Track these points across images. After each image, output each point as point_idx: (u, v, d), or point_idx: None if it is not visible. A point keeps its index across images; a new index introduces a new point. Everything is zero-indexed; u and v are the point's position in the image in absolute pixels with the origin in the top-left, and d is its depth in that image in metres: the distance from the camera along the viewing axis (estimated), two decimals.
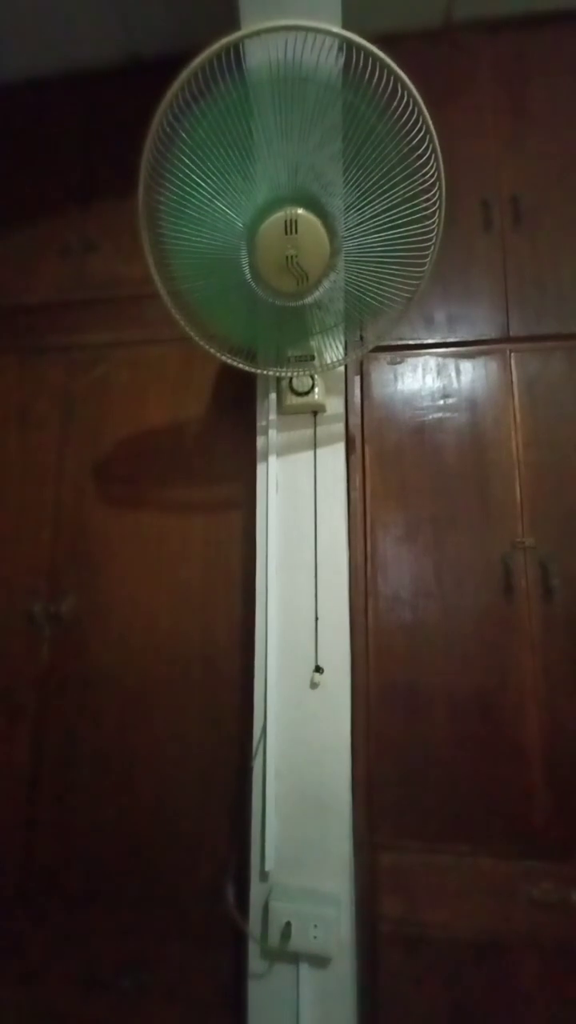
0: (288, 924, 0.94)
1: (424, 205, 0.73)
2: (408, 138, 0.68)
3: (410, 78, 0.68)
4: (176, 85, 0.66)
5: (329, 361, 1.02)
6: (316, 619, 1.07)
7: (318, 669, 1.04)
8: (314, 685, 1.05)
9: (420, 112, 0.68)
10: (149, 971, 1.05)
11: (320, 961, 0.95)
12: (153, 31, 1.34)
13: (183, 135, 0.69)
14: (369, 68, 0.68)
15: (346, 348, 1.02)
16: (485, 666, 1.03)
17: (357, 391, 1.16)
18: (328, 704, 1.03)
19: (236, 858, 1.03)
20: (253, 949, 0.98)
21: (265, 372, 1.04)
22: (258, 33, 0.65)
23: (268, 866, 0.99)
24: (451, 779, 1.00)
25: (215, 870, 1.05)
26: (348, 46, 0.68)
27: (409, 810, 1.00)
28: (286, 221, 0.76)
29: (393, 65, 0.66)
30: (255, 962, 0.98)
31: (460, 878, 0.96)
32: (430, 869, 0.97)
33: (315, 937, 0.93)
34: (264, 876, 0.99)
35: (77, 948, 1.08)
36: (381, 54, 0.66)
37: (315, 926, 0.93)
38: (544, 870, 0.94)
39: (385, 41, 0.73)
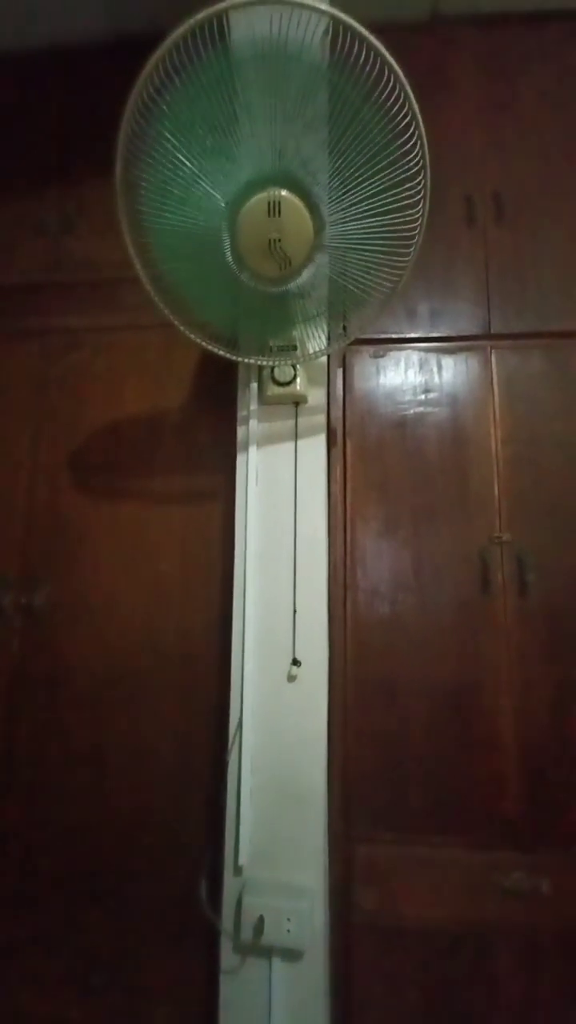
0: (261, 919, 0.93)
1: (409, 193, 0.73)
2: (394, 123, 0.67)
3: None
4: (158, 53, 0.63)
5: (312, 351, 1.01)
6: (294, 612, 1.06)
7: (295, 662, 1.04)
8: (291, 678, 1.04)
9: (407, 97, 0.67)
10: (123, 969, 1.03)
11: (293, 955, 0.95)
12: (138, 6, 1.30)
13: (164, 108, 0.66)
14: (355, 50, 0.67)
15: (329, 339, 1.01)
16: (461, 659, 1.03)
17: (339, 383, 1.16)
18: (305, 697, 1.03)
19: (211, 853, 1.02)
20: (225, 944, 0.97)
21: (246, 361, 1.03)
22: (244, 5, 0.63)
23: (242, 860, 0.98)
24: (427, 771, 1.00)
25: (190, 866, 1.03)
26: (335, 26, 0.67)
27: (385, 802, 1.00)
28: (269, 203, 0.75)
29: (380, 47, 0.65)
30: (227, 957, 0.97)
31: (435, 869, 0.97)
32: (405, 860, 0.97)
33: (288, 931, 0.92)
34: (238, 871, 0.98)
35: (49, 947, 1.05)
36: (368, 35, 0.65)
37: (288, 920, 0.93)
38: (516, 860, 0.96)
39: (370, 31, 0.71)
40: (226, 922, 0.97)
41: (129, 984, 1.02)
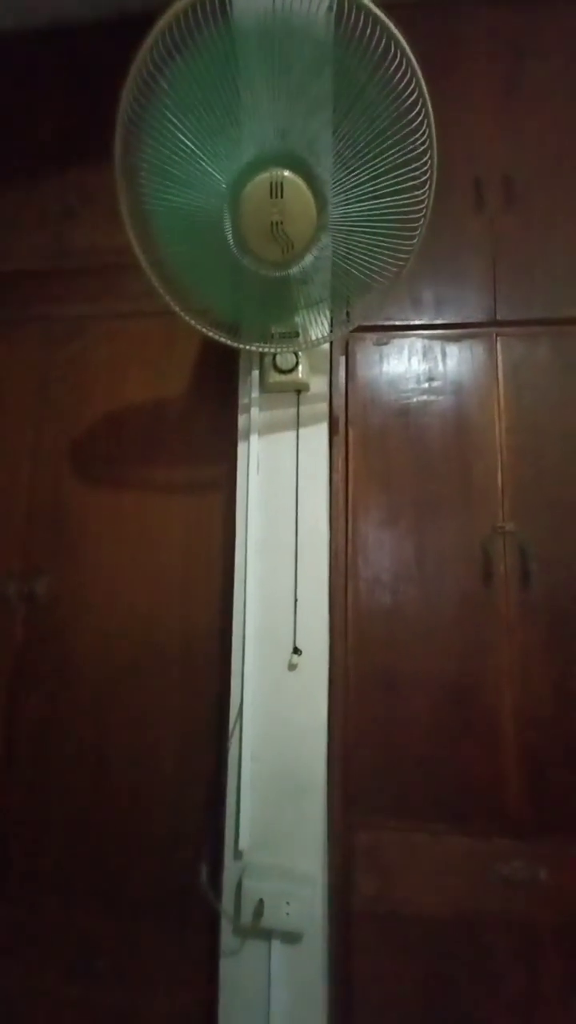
0: (261, 902, 0.94)
1: (415, 173, 0.71)
2: (400, 100, 0.66)
3: None
4: (158, 28, 0.62)
5: (314, 338, 1.00)
6: (295, 601, 1.06)
7: (296, 651, 1.04)
8: (292, 667, 1.04)
9: (413, 74, 0.65)
10: (124, 953, 1.04)
11: (292, 937, 0.96)
12: None
13: (164, 86, 0.65)
14: (361, 25, 0.65)
15: (332, 325, 0.99)
16: (463, 649, 1.03)
17: (342, 371, 1.14)
18: (306, 686, 1.03)
19: (211, 838, 1.03)
20: (226, 926, 0.98)
21: (248, 348, 1.01)
22: None
23: (242, 845, 0.99)
24: (427, 760, 1.00)
25: (191, 852, 1.04)
26: (340, 0, 0.65)
27: (385, 790, 1.00)
28: (272, 183, 0.73)
29: (386, 20, 0.63)
30: (228, 939, 0.98)
31: (434, 857, 0.97)
32: (404, 848, 0.98)
33: (288, 914, 0.93)
34: (238, 855, 0.99)
35: (52, 931, 1.07)
36: (375, 8, 0.63)
37: (288, 903, 0.94)
38: (515, 849, 0.96)
39: (378, 7, 0.69)
40: (226, 905, 0.98)
41: (130, 968, 1.04)
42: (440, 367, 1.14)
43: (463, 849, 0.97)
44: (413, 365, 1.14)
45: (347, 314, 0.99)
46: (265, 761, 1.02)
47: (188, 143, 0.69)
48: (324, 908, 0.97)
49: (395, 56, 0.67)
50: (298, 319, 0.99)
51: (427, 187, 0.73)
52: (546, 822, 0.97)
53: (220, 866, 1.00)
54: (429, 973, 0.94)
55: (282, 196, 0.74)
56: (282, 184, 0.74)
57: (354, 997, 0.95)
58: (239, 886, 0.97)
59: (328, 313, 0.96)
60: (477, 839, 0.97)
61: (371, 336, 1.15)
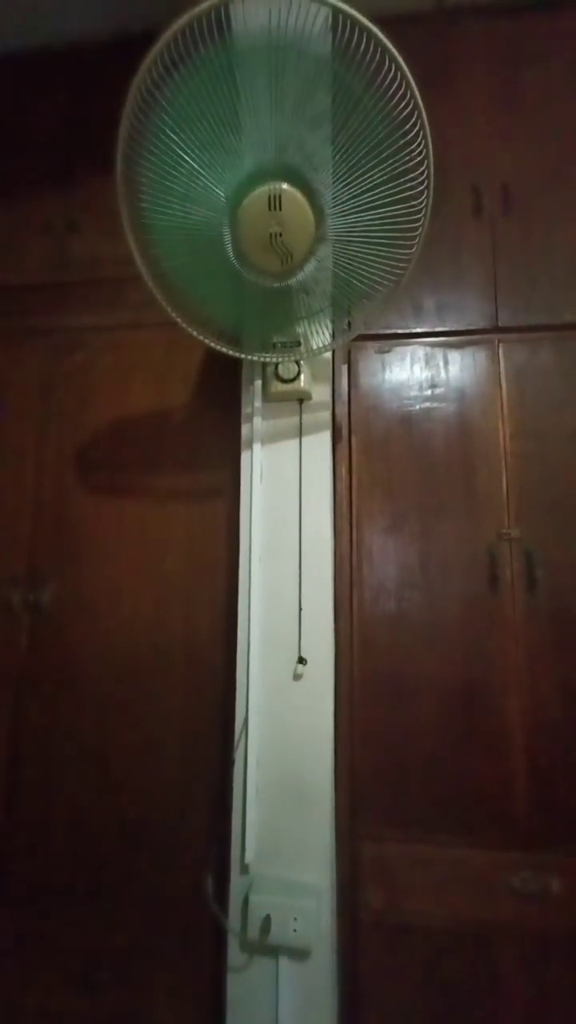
0: (268, 917, 0.93)
1: (412, 183, 0.72)
2: (396, 112, 0.66)
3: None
4: (158, 45, 0.63)
5: (315, 347, 1.00)
6: (300, 609, 1.05)
7: (301, 660, 1.03)
8: (297, 676, 1.03)
9: (408, 85, 0.66)
10: (129, 965, 1.03)
11: (300, 954, 0.94)
12: (142, 4, 1.29)
13: (163, 103, 0.66)
14: (357, 39, 0.66)
15: (333, 334, 1.00)
16: (469, 657, 1.02)
17: (344, 380, 1.15)
18: (311, 695, 1.02)
19: (217, 851, 1.02)
20: (232, 943, 0.97)
21: (250, 357, 1.02)
22: None
23: (248, 858, 0.97)
24: (434, 769, 0.99)
25: (196, 863, 1.03)
26: (336, 16, 0.66)
27: (392, 800, 0.99)
28: (270, 196, 0.74)
29: (380, 35, 0.64)
30: (235, 955, 0.97)
31: (442, 868, 0.96)
32: (412, 859, 0.97)
33: (295, 930, 0.92)
34: (244, 868, 0.98)
35: (56, 943, 1.06)
36: (369, 24, 0.64)
37: (295, 919, 0.92)
38: (524, 860, 0.94)
39: (374, 22, 0.70)
40: (233, 920, 0.97)
41: (135, 981, 1.02)
42: (442, 374, 1.14)
43: (472, 860, 0.96)
44: (415, 372, 1.15)
45: (348, 323, 1.00)
46: (270, 771, 1.01)
47: (187, 158, 0.70)
48: (332, 921, 0.95)
49: (390, 69, 0.67)
50: (299, 329, 0.99)
51: (425, 196, 0.73)
52: (556, 831, 0.95)
53: (226, 878, 0.99)
54: (438, 986, 0.92)
55: (280, 208, 0.75)
56: (280, 196, 0.74)
57: (362, 1014, 0.93)
58: (246, 901, 0.96)
59: (329, 322, 0.97)
60: (486, 849, 0.96)
61: (373, 344, 1.16)
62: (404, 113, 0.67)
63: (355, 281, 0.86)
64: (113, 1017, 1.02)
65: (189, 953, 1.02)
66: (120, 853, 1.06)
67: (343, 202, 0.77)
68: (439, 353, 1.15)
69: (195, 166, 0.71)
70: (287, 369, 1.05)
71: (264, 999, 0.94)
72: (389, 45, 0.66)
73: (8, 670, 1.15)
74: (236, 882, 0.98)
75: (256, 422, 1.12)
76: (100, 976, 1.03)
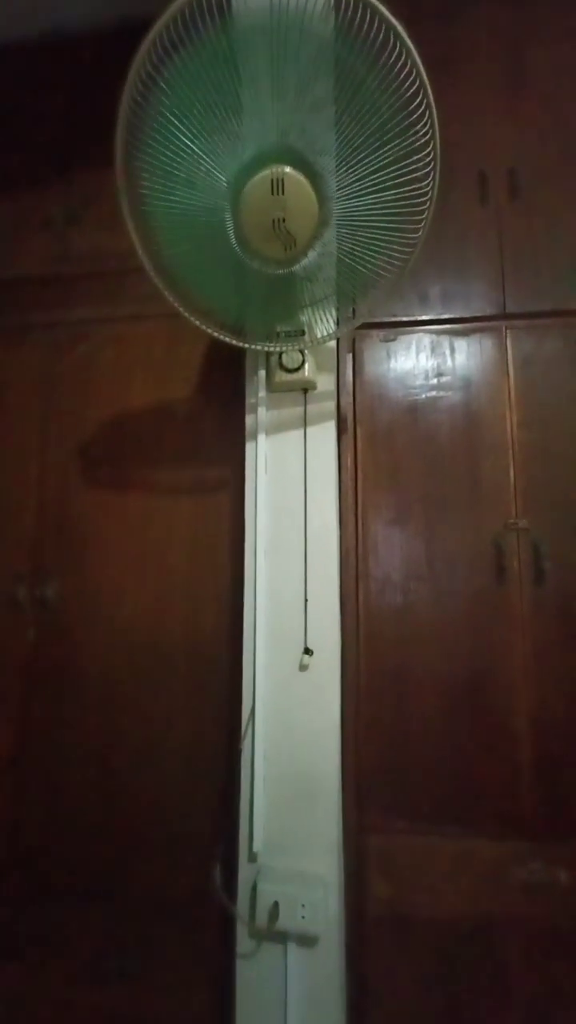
0: (276, 904, 0.94)
1: (418, 165, 0.70)
2: (401, 91, 0.64)
3: None
4: (157, 26, 0.61)
5: (320, 336, 0.99)
6: (305, 601, 1.05)
7: (307, 651, 1.03)
8: (303, 668, 1.03)
9: (414, 64, 0.64)
10: (138, 954, 1.04)
11: (308, 940, 0.95)
12: None
13: (163, 86, 0.64)
14: (360, 17, 0.64)
15: (337, 322, 0.98)
16: (476, 649, 1.01)
17: (349, 369, 1.13)
18: (317, 687, 1.02)
19: (224, 840, 1.03)
20: (241, 930, 0.98)
21: (254, 347, 1.01)
22: None
23: (256, 848, 0.98)
24: (441, 761, 0.99)
25: (203, 853, 1.04)
26: None
27: (398, 792, 0.99)
28: (272, 180, 0.72)
29: (384, 10, 0.62)
30: (243, 942, 0.98)
31: (449, 860, 0.96)
32: (419, 851, 0.97)
33: (303, 917, 0.93)
34: (252, 857, 0.99)
35: (64, 934, 1.07)
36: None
37: (303, 906, 0.93)
38: (532, 852, 0.94)
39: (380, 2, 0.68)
40: (241, 908, 0.97)
41: (144, 970, 1.04)
42: (449, 362, 1.12)
43: (479, 852, 0.96)
44: (421, 361, 1.13)
45: (352, 311, 0.98)
46: (277, 763, 1.01)
47: (188, 142, 0.69)
48: (339, 910, 0.96)
49: (395, 47, 0.65)
50: (303, 317, 0.98)
51: (431, 178, 0.71)
52: (564, 824, 0.95)
53: (233, 868, 1.00)
54: (445, 976, 0.93)
55: (283, 192, 0.73)
56: (283, 180, 0.73)
57: (370, 1000, 0.94)
58: (254, 889, 0.97)
59: (333, 310, 0.95)
60: (492, 841, 0.96)
61: (378, 333, 1.14)
62: (410, 92, 0.65)
63: (360, 267, 0.84)
64: (124, 1006, 1.03)
65: (198, 942, 1.03)
66: (126, 846, 1.07)
67: (347, 185, 0.75)
68: (445, 341, 1.13)
69: (196, 150, 0.70)
70: (291, 358, 1.04)
71: (273, 984, 0.95)
72: (393, 21, 0.64)
73: (14, 665, 1.16)
74: (244, 870, 0.99)
75: (260, 412, 1.11)
76: (109, 966, 1.04)
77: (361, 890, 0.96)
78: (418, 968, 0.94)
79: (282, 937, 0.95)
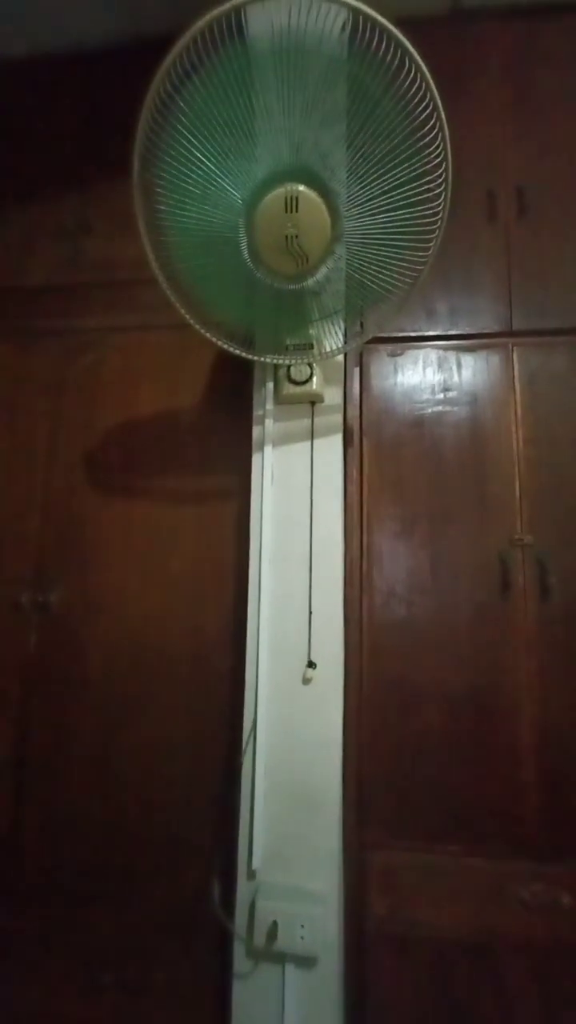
0: (275, 924, 0.92)
1: (429, 186, 0.71)
2: (414, 114, 0.66)
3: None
4: (176, 49, 0.63)
5: (328, 349, 1.00)
6: (310, 613, 1.04)
7: (311, 664, 1.02)
8: (306, 680, 1.02)
9: (427, 87, 0.65)
10: (134, 969, 1.02)
11: (306, 962, 0.93)
12: (156, 8, 1.30)
13: (181, 105, 0.66)
14: (375, 40, 0.65)
15: (346, 337, 0.99)
16: (480, 664, 1.01)
17: (356, 382, 1.14)
18: (320, 700, 1.01)
19: (223, 856, 1.01)
20: (239, 948, 0.96)
21: (262, 359, 1.02)
22: None
23: (255, 864, 0.97)
24: (443, 778, 0.98)
25: (201, 867, 1.03)
26: (355, 17, 0.65)
27: (400, 809, 0.98)
28: (287, 198, 0.74)
29: (400, 36, 0.63)
30: (240, 961, 0.96)
31: (451, 878, 0.95)
32: (420, 869, 0.95)
33: (302, 937, 0.91)
34: (251, 874, 0.97)
35: (60, 945, 1.05)
36: (388, 24, 0.63)
37: (302, 926, 0.91)
38: (535, 871, 0.93)
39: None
40: (239, 926, 0.96)
41: (137, 985, 1.02)
42: (455, 377, 1.13)
43: (481, 871, 0.94)
44: (428, 376, 1.14)
45: (361, 325, 0.99)
46: (278, 776, 1.00)
47: (204, 160, 0.70)
48: (339, 929, 0.94)
49: (409, 70, 0.67)
50: (312, 331, 0.99)
51: (442, 199, 0.73)
52: (567, 844, 0.94)
53: (232, 883, 0.98)
54: (445, 997, 0.91)
55: (297, 210, 0.74)
56: (297, 199, 0.74)
57: (369, 1022, 0.92)
58: (252, 907, 0.95)
59: (342, 325, 0.96)
60: (494, 860, 0.94)
61: (385, 347, 1.15)
62: (423, 115, 0.66)
63: (369, 283, 0.85)
64: (115, 1019, 1.01)
65: (194, 958, 1.02)
66: (125, 855, 1.06)
67: (360, 204, 0.76)
68: (452, 356, 1.14)
69: (212, 168, 0.71)
70: (299, 371, 1.04)
71: (270, 1006, 0.93)
72: (409, 46, 0.65)
73: (16, 670, 1.15)
74: (243, 887, 0.97)
75: (267, 424, 1.11)
76: (103, 979, 1.02)
77: (361, 908, 0.95)
78: (418, 988, 0.92)
79: (280, 957, 0.94)
